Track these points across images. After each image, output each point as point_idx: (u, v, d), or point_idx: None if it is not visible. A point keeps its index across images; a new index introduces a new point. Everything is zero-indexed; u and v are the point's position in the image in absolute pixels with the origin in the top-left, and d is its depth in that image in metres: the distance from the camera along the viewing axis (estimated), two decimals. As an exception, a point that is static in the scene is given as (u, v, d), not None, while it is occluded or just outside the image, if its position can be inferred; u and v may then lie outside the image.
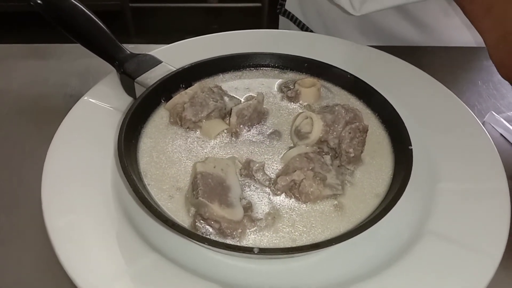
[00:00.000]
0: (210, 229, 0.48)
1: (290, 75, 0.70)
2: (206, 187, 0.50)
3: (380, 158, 0.58)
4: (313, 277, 0.49)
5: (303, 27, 1.07)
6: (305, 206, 0.52)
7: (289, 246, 0.48)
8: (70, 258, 0.47)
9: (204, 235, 0.47)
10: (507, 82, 0.65)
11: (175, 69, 0.66)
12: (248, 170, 0.54)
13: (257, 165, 0.54)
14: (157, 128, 0.61)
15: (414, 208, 0.55)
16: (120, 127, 0.55)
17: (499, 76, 0.63)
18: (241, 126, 0.60)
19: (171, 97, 0.62)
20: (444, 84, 0.72)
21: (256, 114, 0.61)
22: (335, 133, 0.56)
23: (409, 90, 0.71)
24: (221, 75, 0.70)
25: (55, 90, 0.79)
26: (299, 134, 0.58)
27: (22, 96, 0.77)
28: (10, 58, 0.86)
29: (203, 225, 0.48)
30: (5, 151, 0.68)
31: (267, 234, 0.49)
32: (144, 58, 0.67)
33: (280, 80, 0.70)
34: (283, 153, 0.58)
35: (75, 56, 0.85)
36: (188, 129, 0.60)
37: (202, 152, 0.58)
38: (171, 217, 0.49)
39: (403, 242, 0.51)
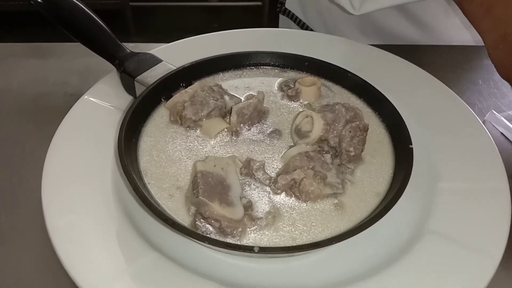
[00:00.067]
0: (210, 228, 0.48)
1: (291, 74, 0.70)
2: (207, 186, 0.50)
3: (381, 157, 0.58)
4: (313, 276, 0.49)
5: (303, 26, 1.07)
6: (305, 205, 0.52)
7: (289, 245, 0.48)
8: (70, 258, 0.47)
9: (204, 234, 0.47)
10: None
11: (175, 68, 0.65)
12: (248, 169, 0.54)
13: (258, 164, 0.54)
14: (157, 127, 0.61)
15: (414, 207, 0.55)
16: (120, 126, 0.55)
17: (499, 75, 0.63)
18: (242, 125, 0.60)
19: (171, 96, 0.62)
20: (444, 83, 0.71)
21: (257, 113, 0.61)
22: (335, 131, 0.56)
23: (409, 89, 0.71)
24: (221, 74, 0.70)
25: (55, 89, 0.79)
26: (299, 133, 0.58)
27: (22, 95, 0.77)
28: (10, 57, 0.86)
29: (203, 224, 0.48)
30: (5, 150, 0.68)
31: (267, 233, 0.49)
32: (144, 57, 0.67)
33: (281, 79, 0.69)
34: (284, 152, 0.58)
35: (75, 55, 0.85)
36: (188, 128, 0.60)
37: (203, 151, 0.58)
38: (171, 216, 0.49)
39: (403, 241, 0.51)
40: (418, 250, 0.50)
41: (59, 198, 0.53)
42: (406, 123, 0.58)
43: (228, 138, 0.59)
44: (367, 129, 0.57)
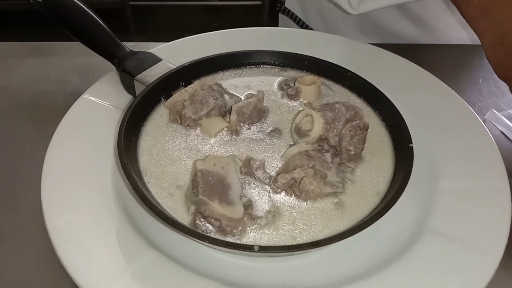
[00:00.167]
0: (210, 227, 0.48)
1: (291, 73, 0.70)
2: (206, 185, 0.50)
3: (381, 156, 0.58)
4: (313, 275, 0.49)
5: (303, 25, 1.06)
6: (305, 204, 0.52)
7: (290, 244, 0.48)
8: (70, 257, 0.47)
9: (204, 233, 0.47)
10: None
11: (175, 67, 0.65)
12: (248, 168, 0.54)
13: (257, 163, 0.54)
14: (157, 126, 0.61)
15: (414, 206, 0.55)
16: (120, 125, 0.55)
17: (498, 75, 0.63)
18: (241, 124, 0.60)
19: (171, 95, 0.62)
20: (444, 82, 0.71)
21: (256, 112, 0.61)
22: (335, 130, 0.56)
23: (409, 88, 0.70)
24: (221, 73, 0.69)
25: (55, 88, 0.79)
26: (299, 132, 0.58)
27: (22, 94, 0.77)
28: (10, 56, 0.86)
29: (203, 223, 0.48)
30: (5, 149, 0.68)
31: (267, 232, 0.49)
32: (144, 56, 0.67)
33: (280, 78, 0.69)
34: (283, 151, 0.58)
35: (75, 54, 0.85)
36: (188, 127, 0.60)
37: (202, 150, 0.57)
38: (171, 215, 0.49)
39: (404, 240, 0.51)
40: (418, 250, 0.50)
41: (58, 198, 0.53)
42: (406, 122, 0.58)
43: (228, 137, 0.59)
44: (367, 128, 0.57)
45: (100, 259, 0.48)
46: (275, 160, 0.57)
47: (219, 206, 0.48)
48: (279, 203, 0.52)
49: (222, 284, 0.46)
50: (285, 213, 0.51)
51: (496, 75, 0.61)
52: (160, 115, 0.62)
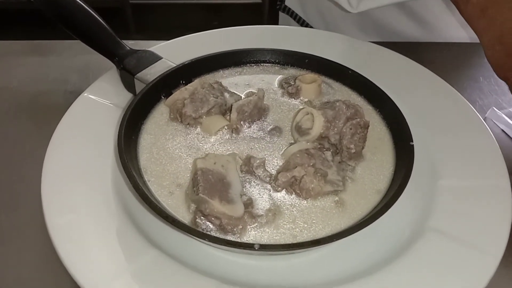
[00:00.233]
0: (211, 226, 0.48)
1: (291, 71, 0.70)
2: (207, 184, 0.50)
3: (381, 154, 0.58)
4: (313, 273, 0.49)
5: (303, 24, 1.06)
6: (306, 202, 0.52)
7: (290, 243, 0.48)
8: (70, 256, 0.47)
9: (204, 232, 0.47)
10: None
11: (175, 65, 0.65)
12: (248, 166, 0.54)
13: (258, 161, 0.54)
14: (157, 125, 0.60)
15: (415, 205, 0.55)
16: (120, 123, 0.55)
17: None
18: (242, 122, 0.60)
19: (171, 93, 0.62)
20: (445, 80, 0.71)
21: (257, 110, 0.61)
22: (336, 129, 0.56)
23: (410, 86, 0.70)
24: (221, 71, 0.69)
25: (55, 86, 0.78)
26: (299, 130, 0.58)
27: (22, 93, 0.77)
28: (9, 55, 0.86)
29: (203, 221, 0.48)
30: (5, 148, 0.67)
31: (267, 230, 0.49)
32: (144, 54, 0.67)
33: (281, 76, 0.69)
34: (284, 149, 0.58)
35: (75, 53, 0.85)
36: (188, 126, 0.60)
37: (203, 149, 0.57)
38: (172, 214, 0.49)
39: (404, 239, 0.51)
40: (418, 249, 0.50)
41: (59, 197, 0.53)
42: (407, 120, 0.58)
43: (228, 135, 0.59)
44: (368, 126, 0.57)
45: (100, 258, 0.48)
46: (276, 158, 0.57)
47: (219, 204, 0.48)
48: (280, 201, 0.52)
49: (222, 282, 0.46)
50: (286, 211, 0.51)
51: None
52: (160, 114, 0.62)
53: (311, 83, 0.65)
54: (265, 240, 0.48)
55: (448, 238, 0.50)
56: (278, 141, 0.59)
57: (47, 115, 0.70)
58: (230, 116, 0.60)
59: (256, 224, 0.49)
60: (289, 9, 1.07)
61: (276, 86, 0.68)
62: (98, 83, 0.68)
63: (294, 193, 0.52)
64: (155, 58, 0.67)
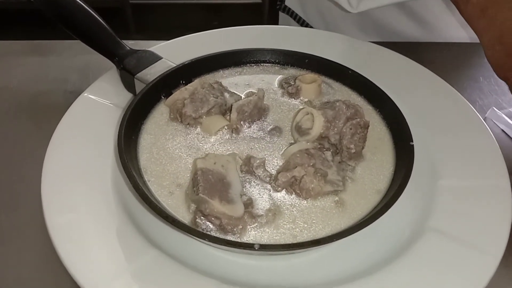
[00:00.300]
0: (211, 226, 0.48)
1: (291, 71, 0.70)
2: (207, 184, 0.50)
3: (381, 154, 0.58)
4: (313, 273, 0.49)
5: (303, 24, 1.06)
6: (306, 202, 0.52)
7: (290, 243, 0.48)
8: (70, 256, 0.47)
9: (204, 232, 0.47)
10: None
11: (175, 65, 0.65)
12: (248, 166, 0.54)
13: (258, 161, 0.54)
14: (157, 125, 0.60)
15: (415, 205, 0.55)
16: (120, 123, 0.55)
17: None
18: (242, 122, 0.60)
19: (171, 93, 0.62)
20: (445, 80, 0.71)
21: (257, 110, 0.61)
22: (336, 129, 0.56)
23: (410, 86, 0.70)
24: (221, 71, 0.69)
25: (55, 86, 0.78)
26: (299, 130, 0.58)
27: (22, 93, 0.77)
28: (9, 55, 0.86)
29: (203, 221, 0.48)
30: (5, 148, 0.67)
31: (267, 230, 0.49)
32: (144, 54, 0.67)
33: (281, 76, 0.69)
34: (284, 149, 0.58)
35: (75, 53, 0.85)
36: (188, 126, 0.60)
37: (203, 149, 0.57)
38: (172, 214, 0.49)
39: (404, 239, 0.51)
40: (418, 248, 0.50)
41: (59, 197, 0.53)
42: (407, 120, 0.58)
43: (228, 135, 0.59)
44: (368, 126, 0.57)
45: (100, 257, 0.48)
46: (276, 158, 0.57)
47: (219, 204, 0.48)
48: (280, 201, 0.52)
49: (222, 282, 0.46)
50: (286, 211, 0.51)
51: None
52: (160, 114, 0.62)
53: (311, 83, 0.65)
54: (265, 240, 0.48)
55: (448, 238, 0.50)
56: (278, 141, 0.59)
57: (47, 115, 0.70)
58: (230, 116, 0.60)
59: (256, 224, 0.49)
60: (289, 9, 1.07)
61: (276, 86, 0.68)
62: (98, 83, 0.68)
63: (294, 193, 0.52)
64: (155, 58, 0.67)
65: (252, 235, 0.49)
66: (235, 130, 0.59)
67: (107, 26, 0.68)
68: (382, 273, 0.47)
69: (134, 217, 0.52)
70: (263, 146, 0.58)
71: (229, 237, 0.48)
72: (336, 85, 0.67)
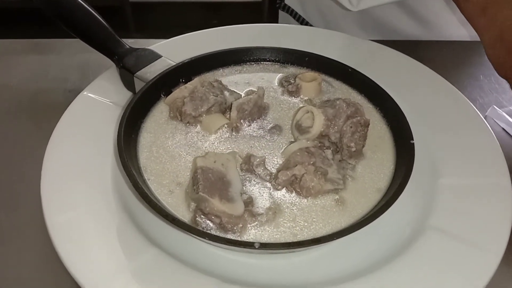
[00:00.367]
0: (211, 224, 0.48)
1: (291, 69, 0.70)
2: (207, 182, 0.49)
3: (382, 152, 0.58)
4: (314, 272, 0.49)
5: (303, 22, 1.06)
6: (306, 200, 0.52)
7: (290, 241, 0.48)
8: (70, 255, 0.47)
9: (204, 230, 0.47)
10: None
11: (174, 63, 0.65)
12: (248, 164, 0.54)
13: (258, 159, 0.54)
14: (157, 123, 0.60)
15: (415, 203, 0.54)
16: (119, 122, 0.55)
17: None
18: (242, 120, 0.60)
19: (171, 92, 0.62)
20: (445, 78, 0.71)
21: (257, 109, 0.61)
22: (336, 127, 0.56)
23: (410, 84, 0.70)
24: (221, 70, 0.69)
25: (55, 85, 0.78)
26: (300, 129, 0.58)
27: (22, 91, 0.77)
28: (9, 54, 0.85)
29: (203, 220, 0.48)
30: (5, 147, 0.67)
31: (268, 229, 0.49)
32: (144, 53, 0.67)
33: (281, 74, 0.69)
34: (284, 147, 0.57)
35: (75, 51, 0.85)
36: (188, 124, 0.60)
37: (202, 147, 0.57)
38: (171, 212, 0.49)
39: (405, 237, 0.51)
40: (419, 247, 0.50)
41: (58, 195, 0.53)
42: (407, 119, 0.58)
43: (228, 134, 0.59)
44: (368, 124, 0.57)
45: (100, 256, 0.48)
46: (276, 157, 0.56)
47: (219, 203, 0.48)
48: (280, 200, 0.52)
49: (222, 281, 0.46)
50: (286, 210, 0.51)
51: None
52: (160, 112, 0.62)
53: (311, 82, 0.65)
54: (265, 239, 0.48)
55: (449, 236, 0.50)
56: (278, 140, 0.59)
57: (47, 114, 0.69)
58: (230, 114, 0.60)
59: (256, 222, 0.49)
60: (289, 7, 1.07)
61: (276, 84, 0.68)
62: (97, 81, 0.68)
63: (294, 191, 0.52)
64: (155, 56, 0.67)
65: (252, 233, 0.49)
66: (235, 128, 0.59)
67: (106, 25, 0.68)
68: (383, 271, 0.47)
69: (134, 216, 0.52)
70: (263, 145, 0.58)
71: (229, 236, 0.47)
72: (336, 84, 0.67)
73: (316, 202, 0.52)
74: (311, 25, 1.05)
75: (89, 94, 0.66)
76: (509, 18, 0.58)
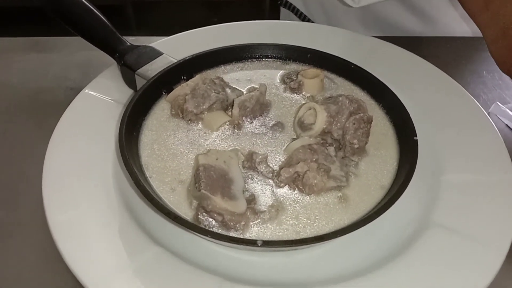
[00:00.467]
0: (213, 222, 0.48)
1: (293, 66, 0.70)
2: (209, 180, 0.49)
3: (385, 149, 0.57)
4: (317, 269, 0.48)
5: (305, 19, 1.06)
6: (308, 198, 0.51)
7: (293, 239, 0.47)
8: (72, 253, 0.47)
9: (207, 228, 0.47)
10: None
11: (176, 60, 0.65)
12: (251, 162, 0.54)
13: (260, 157, 0.54)
14: (159, 121, 0.60)
15: (419, 200, 0.54)
16: (121, 119, 0.55)
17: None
18: (244, 118, 0.59)
19: (172, 89, 0.62)
20: (449, 74, 0.71)
21: (259, 106, 0.60)
22: (339, 124, 0.56)
23: (413, 80, 0.70)
24: (222, 67, 0.69)
25: (56, 83, 0.78)
26: (302, 126, 0.57)
27: (22, 90, 0.77)
28: (10, 52, 0.85)
29: (205, 217, 0.48)
30: (5, 145, 0.67)
31: (270, 226, 0.49)
32: (145, 50, 0.67)
33: (283, 71, 0.69)
34: (286, 144, 0.57)
35: (76, 49, 0.84)
36: (189, 121, 0.60)
37: (204, 145, 0.57)
38: (174, 210, 0.49)
39: (408, 234, 0.51)
40: (423, 244, 0.49)
41: (60, 194, 0.53)
42: (411, 115, 0.57)
43: (230, 131, 0.59)
44: (371, 121, 0.56)
45: (102, 255, 0.48)
46: (278, 154, 0.56)
47: (221, 200, 0.48)
48: (282, 197, 0.51)
49: (225, 279, 0.46)
50: (289, 207, 0.50)
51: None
52: (161, 110, 0.61)
53: (313, 78, 0.64)
54: (268, 236, 0.48)
55: (453, 233, 0.50)
56: (281, 137, 0.58)
57: (48, 112, 0.69)
58: (232, 111, 0.59)
59: (259, 220, 0.49)
60: (291, 4, 1.06)
61: (278, 81, 0.67)
62: (98, 79, 0.68)
63: (297, 188, 0.52)
64: (156, 53, 0.66)
65: (254, 231, 0.48)
66: (237, 125, 0.59)
67: (107, 22, 0.68)
68: (387, 268, 0.47)
69: (136, 214, 0.52)
70: (265, 142, 0.58)
71: (232, 234, 0.47)
72: (339, 80, 0.67)
73: (319, 200, 0.51)
74: (312, 22, 1.05)
75: (90, 92, 0.66)
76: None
